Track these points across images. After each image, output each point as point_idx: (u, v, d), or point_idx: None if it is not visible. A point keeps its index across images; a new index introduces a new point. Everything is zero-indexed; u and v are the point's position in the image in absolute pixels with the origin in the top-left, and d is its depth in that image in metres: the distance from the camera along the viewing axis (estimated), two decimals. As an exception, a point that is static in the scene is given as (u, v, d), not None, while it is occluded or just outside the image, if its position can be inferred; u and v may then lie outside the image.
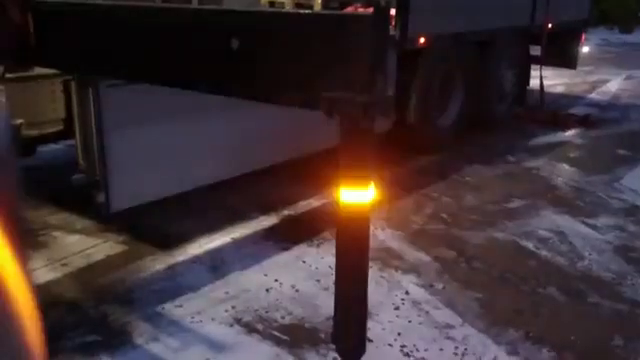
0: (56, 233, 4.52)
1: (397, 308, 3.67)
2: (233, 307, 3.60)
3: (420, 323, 3.52)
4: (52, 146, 5.38)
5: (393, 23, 5.84)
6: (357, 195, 2.15)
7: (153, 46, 2.57)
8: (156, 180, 3.97)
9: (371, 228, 4.69)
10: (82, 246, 4.31)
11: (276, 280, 3.92)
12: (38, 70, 4.23)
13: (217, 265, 4.11)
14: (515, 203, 5.51)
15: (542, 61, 8.61)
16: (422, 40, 6.04)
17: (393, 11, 5.88)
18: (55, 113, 4.39)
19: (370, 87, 2.02)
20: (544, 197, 5.63)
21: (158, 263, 4.10)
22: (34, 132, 4.37)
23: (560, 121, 8.38)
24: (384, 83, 2.08)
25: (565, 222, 5.07)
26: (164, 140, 3.95)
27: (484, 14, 6.78)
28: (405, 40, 5.79)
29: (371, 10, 1.98)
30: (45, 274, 3.90)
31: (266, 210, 4.98)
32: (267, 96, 2.31)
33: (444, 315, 3.61)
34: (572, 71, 10.08)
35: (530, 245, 4.63)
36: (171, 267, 4.07)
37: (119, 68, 2.80)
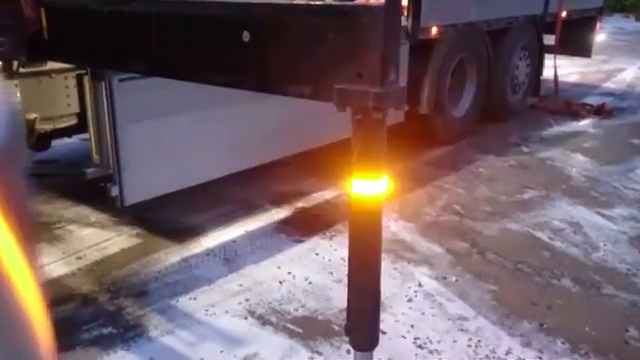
0: (71, 227, 4.56)
1: (410, 300, 3.67)
2: (247, 299, 3.61)
3: (433, 315, 3.51)
4: (67, 140, 5.41)
5: (405, 13, 5.81)
6: (370, 187, 2.14)
7: (164, 39, 2.57)
8: (169, 173, 3.99)
9: (383, 220, 4.74)
10: (97, 239, 4.34)
11: (289, 272, 3.93)
12: (52, 65, 4.26)
13: (231, 258, 4.13)
14: (529, 194, 5.47)
15: (556, 50, 8.53)
16: (435, 30, 6.00)
17: (405, 1, 5.85)
18: (69, 107, 4.42)
19: (382, 78, 2.01)
20: (558, 188, 5.59)
21: (172, 256, 4.13)
22: (48, 126, 4.40)
23: (574, 110, 8.29)
24: (396, 74, 2.06)
25: (579, 213, 5.03)
26: (177, 133, 3.96)
27: (497, 3, 6.72)
28: (417, 31, 5.75)
29: (382, 0, 1.97)
30: (60, 268, 3.93)
31: (279, 203, 4.99)
32: (278, 88, 2.30)
33: (457, 307, 3.60)
34: (587, 60, 9.96)
35: (544, 236, 4.60)
36: (185, 260, 4.09)
37: (130, 62, 2.81)
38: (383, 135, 2.10)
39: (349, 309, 2.29)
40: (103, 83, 3.55)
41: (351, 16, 2.05)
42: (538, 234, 4.64)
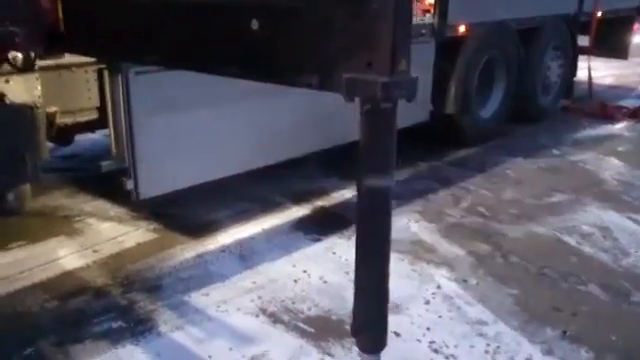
0: (90, 220, 4.56)
1: (427, 302, 3.56)
2: (259, 297, 3.54)
3: (451, 319, 3.39)
4: (90, 135, 5.44)
5: (432, 11, 5.69)
6: (378, 181, 2.05)
7: (173, 29, 2.52)
8: (186, 168, 3.94)
9: (404, 220, 4.65)
10: (114, 233, 4.33)
11: (304, 271, 3.85)
12: (73, 58, 4.25)
13: (246, 255, 4.07)
14: (558, 197, 5.29)
15: (591, 51, 8.28)
16: (462, 28, 5.87)
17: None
18: (90, 101, 4.40)
19: (392, 68, 1.92)
20: (589, 191, 5.39)
21: (187, 251, 4.09)
22: (69, 120, 4.39)
23: (609, 113, 8.04)
24: (407, 64, 1.97)
25: (610, 217, 4.84)
26: (194, 127, 3.90)
27: (528, 1, 6.52)
28: (445, 28, 5.62)
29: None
30: (76, 260, 3.93)
31: (298, 200, 4.92)
32: (286, 78, 2.22)
33: (476, 311, 3.47)
34: (623, 62, 9.66)
35: (572, 240, 4.43)
36: (200, 255, 4.04)
37: (141, 53, 2.75)
38: (392, 127, 2.00)
39: (355, 309, 2.19)
40: (120, 76, 3.52)
41: (361, 2, 1.96)
42: (566, 238, 4.47)
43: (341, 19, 1.99)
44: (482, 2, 6.01)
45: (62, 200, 4.92)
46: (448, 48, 5.87)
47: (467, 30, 5.90)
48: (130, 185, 3.67)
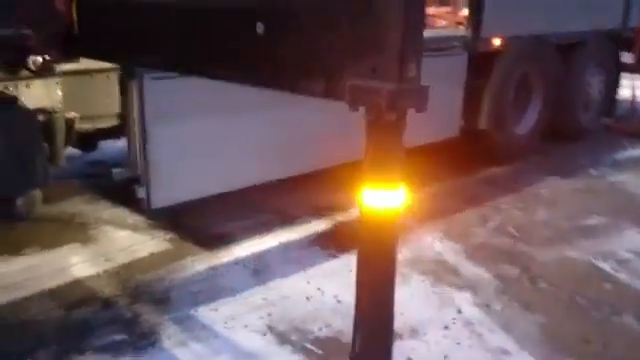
0: (107, 228, 4.50)
1: (446, 328, 3.35)
2: (269, 314, 3.40)
3: (470, 346, 3.18)
4: (116, 142, 5.41)
5: (465, 23, 5.51)
6: (382, 198, 1.89)
7: (179, 33, 2.42)
8: (200, 178, 3.83)
9: (428, 239, 4.45)
10: (129, 242, 4.25)
11: (318, 289, 3.69)
12: (93, 64, 4.21)
13: (260, 269, 3.93)
14: (594, 220, 5.01)
15: (635, 68, 7.92)
16: (497, 42, 5.65)
17: (465, 11, 5.55)
18: (110, 108, 4.36)
19: (399, 74, 1.76)
20: (628, 215, 5.09)
21: (200, 263, 3.98)
22: (89, 126, 4.35)
23: (653, 134, 7.67)
24: (417, 71, 1.81)
25: (650, 243, 4.55)
26: (210, 137, 3.80)
27: (567, 15, 6.25)
28: (477, 41, 5.43)
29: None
30: (86, 269, 3.86)
31: (317, 215, 4.76)
32: (291, 85, 2.09)
33: (499, 339, 3.25)
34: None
35: (607, 266, 4.16)
36: (213, 268, 3.93)
37: (145, 57, 2.67)
38: (399, 140, 1.84)
39: (355, 338, 2.02)
40: (135, 81, 3.45)
41: (369, 5, 1.81)
42: (600, 264, 4.20)
43: (346, 20, 1.85)
44: (519, 16, 5.77)
45: (81, 206, 4.88)
46: (482, 61, 5.67)
47: (502, 44, 5.68)
48: (142, 194, 3.58)
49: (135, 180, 3.76)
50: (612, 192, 5.73)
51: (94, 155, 5.36)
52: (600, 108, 7.76)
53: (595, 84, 7.52)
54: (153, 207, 3.65)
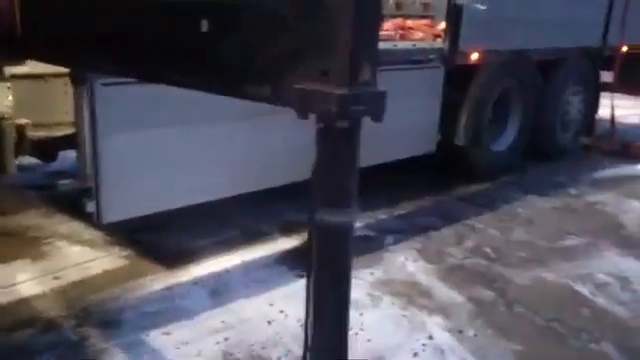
0: (60, 243, 4.24)
1: (416, 355, 3.14)
2: (226, 339, 3.16)
3: (440, 376, 2.97)
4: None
5: (442, 36, 5.36)
6: (334, 217, 1.68)
7: (129, 33, 2.20)
8: (157, 191, 3.58)
9: (400, 259, 4.25)
10: (82, 258, 4.00)
11: (281, 311, 3.46)
12: (49, 68, 3.98)
13: (220, 290, 3.69)
14: (572, 241, 4.85)
15: (614, 88, 7.86)
16: (475, 55, 5.51)
17: (443, 24, 5.40)
18: (67, 115, 4.12)
19: (352, 78, 1.57)
20: (607, 236, 4.94)
21: (157, 283, 3.73)
22: (43, 134, 4.10)
23: (632, 153, 7.59)
24: (372, 74, 1.61)
25: (629, 266, 4.39)
26: (166, 147, 3.55)
27: (548, 31, 6.14)
28: (455, 55, 5.28)
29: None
30: (33, 287, 3.59)
31: (286, 231, 4.54)
32: (237, 89, 1.88)
33: (470, 368, 3.05)
34: (649, 100, 9.21)
35: (585, 290, 3.99)
36: (170, 288, 3.68)
37: (98, 60, 2.45)
38: (352, 151, 1.64)
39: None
40: (85, 87, 3.22)
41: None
42: (578, 287, 4.03)
43: (293, 16, 1.65)
44: (499, 30, 5.64)
45: (37, 219, 4.62)
46: (460, 75, 5.52)
47: (481, 58, 5.54)
48: (92, 207, 3.33)
49: (85, 192, 3.50)
50: (591, 212, 5.60)
51: (55, 166, 5.09)
52: (579, 127, 7.68)
53: (574, 102, 7.44)
54: (104, 221, 3.41)
